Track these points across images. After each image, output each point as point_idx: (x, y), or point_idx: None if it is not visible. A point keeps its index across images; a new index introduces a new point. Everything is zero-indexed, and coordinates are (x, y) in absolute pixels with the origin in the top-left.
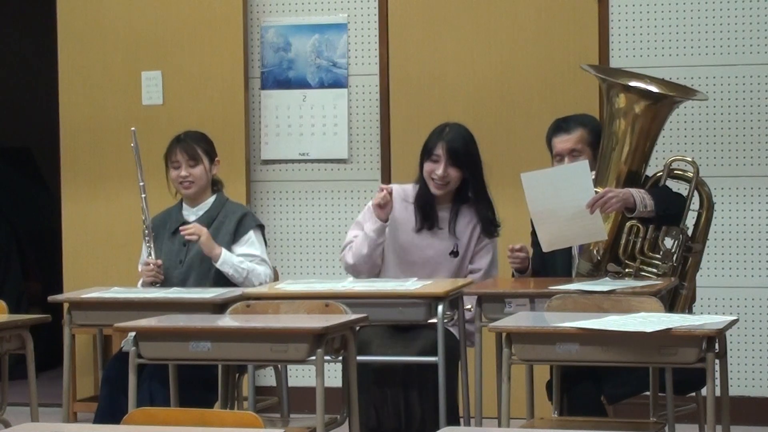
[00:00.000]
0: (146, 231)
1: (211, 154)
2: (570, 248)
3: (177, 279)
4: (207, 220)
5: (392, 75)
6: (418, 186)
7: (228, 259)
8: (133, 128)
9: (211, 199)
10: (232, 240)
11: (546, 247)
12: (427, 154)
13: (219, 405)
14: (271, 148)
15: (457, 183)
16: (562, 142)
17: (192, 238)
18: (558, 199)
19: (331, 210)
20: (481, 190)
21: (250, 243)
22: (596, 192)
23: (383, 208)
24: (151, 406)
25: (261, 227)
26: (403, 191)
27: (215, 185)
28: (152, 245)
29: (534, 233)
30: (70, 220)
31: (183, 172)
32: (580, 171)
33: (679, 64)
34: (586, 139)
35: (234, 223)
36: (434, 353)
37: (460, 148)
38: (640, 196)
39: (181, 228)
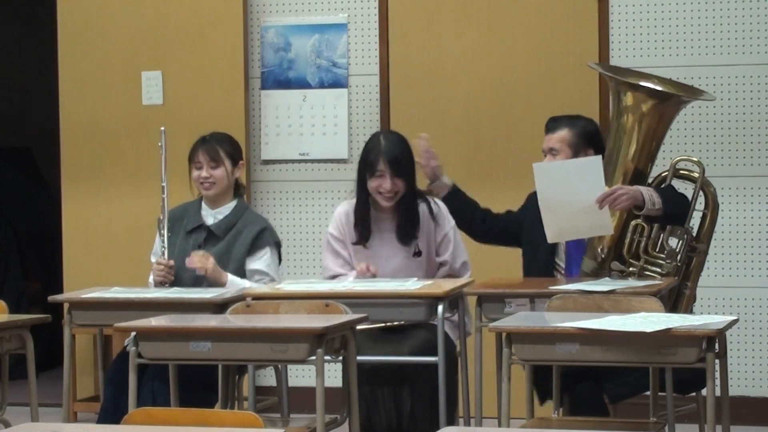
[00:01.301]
0: (162, 231)
1: (235, 157)
2: (553, 249)
3: (189, 281)
4: (226, 225)
5: (392, 75)
6: (356, 201)
7: (234, 284)
8: (162, 128)
9: (232, 203)
10: (246, 251)
11: (551, 238)
12: (369, 170)
13: (219, 405)
14: (271, 148)
15: (404, 191)
16: (546, 140)
17: (200, 272)
18: (568, 191)
19: (331, 210)
20: (413, 194)
21: (264, 260)
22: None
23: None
24: (154, 406)
25: (278, 245)
26: (353, 207)
27: (238, 189)
28: (166, 246)
29: (526, 207)
30: (70, 220)
31: (204, 173)
32: (593, 166)
33: (679, 64)
34: (567, 140)
35: (252, 234)
36: (425, 353)
37: (400, 156)
38: (648, 193)
39: (187, 261)
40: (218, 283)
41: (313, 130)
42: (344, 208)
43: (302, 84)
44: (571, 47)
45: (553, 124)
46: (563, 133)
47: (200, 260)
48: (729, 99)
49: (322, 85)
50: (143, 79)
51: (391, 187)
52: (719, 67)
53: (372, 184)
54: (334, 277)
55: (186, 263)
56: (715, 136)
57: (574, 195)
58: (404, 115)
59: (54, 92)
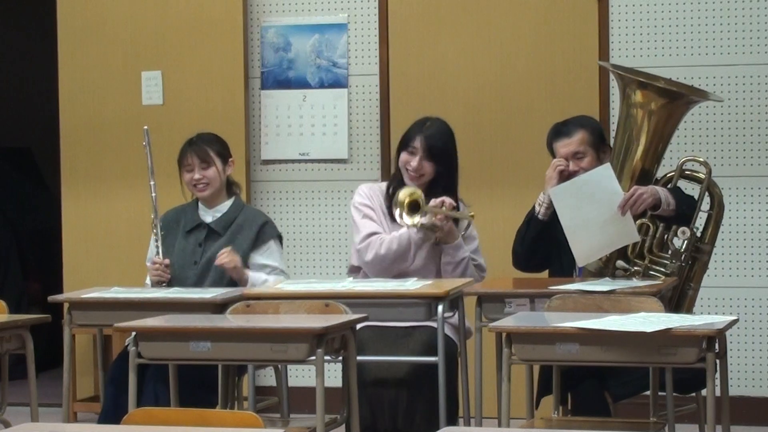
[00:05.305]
0: (155, 230)
1: (224, 155)
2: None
3: (192, 279)
4: (225, 222)
5: (392, 75)
6: (391, 181)
7: (256, 281)
8: (145, 127)
9: (229, 201)
10: (251, 247)
11: (581, 261)
12: (404, 145)
13: (219, 405)
14: (271, 148)
15: (431, 176)
16: (565, 146)
17: (228, 266)
18: (588, 206)
19: (331, 210)
20: (450, 187)
21: (270, 253)
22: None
23: None
24: (156, 406)
25: (280, 237)
26: (380, 189)
27: (231, 187)
28: (160, 244)
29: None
30: (70, 220)
31: (196, 175)
32: (605, 174)
33: (680, 64)
34: (588, 140)
35: (255, 230)
36: (426, 354)
37: (438, 143)
38: (664, 193)
39: (217, 260)
40: (241, 281)
41: (313, 130)
42: (367, 185)
43: (302, 84)
44: (571, 47)
45: (566, 128)
46: (582, 135)
47: (228, 255)
48: (729, 99)
49: (322, 85)
50: (143, 79)
51: (418, 166)
52: (719, 67)
53: (402, 158)
54: (371, 234)
55: (215, 263)
56: (715, 136)
57: (594, 208)
58: (404, 115)
59: (54, 92)
